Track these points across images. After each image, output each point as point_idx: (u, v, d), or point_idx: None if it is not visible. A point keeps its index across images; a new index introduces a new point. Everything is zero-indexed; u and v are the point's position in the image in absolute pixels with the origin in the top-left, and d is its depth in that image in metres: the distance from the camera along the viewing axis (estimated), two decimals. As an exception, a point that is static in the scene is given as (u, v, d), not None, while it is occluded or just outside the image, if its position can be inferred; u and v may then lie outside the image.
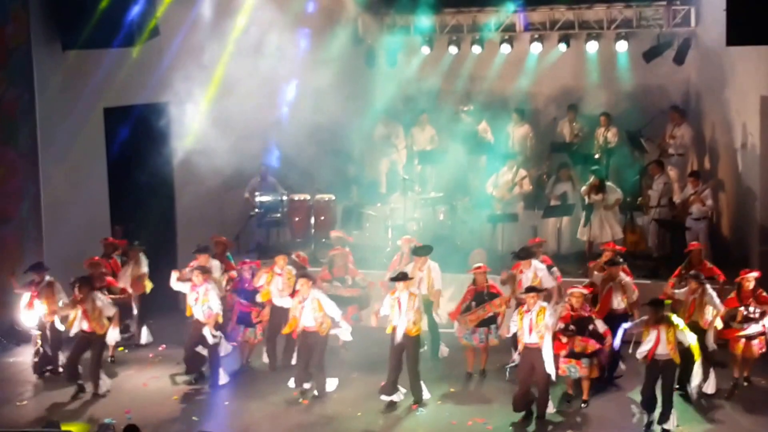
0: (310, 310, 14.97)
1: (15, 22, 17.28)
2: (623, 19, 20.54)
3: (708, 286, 14.68)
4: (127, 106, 18.67)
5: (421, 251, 16.33)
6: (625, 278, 15.41)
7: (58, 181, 17.85)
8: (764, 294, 14.67)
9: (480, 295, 15.63)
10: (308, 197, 19.99)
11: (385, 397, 14.93)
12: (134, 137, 18.72)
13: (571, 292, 14.51)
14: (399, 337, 14.68)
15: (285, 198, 20.07)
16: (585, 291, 14.62)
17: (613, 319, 14.85)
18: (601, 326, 14.39)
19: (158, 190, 19.32)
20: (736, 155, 18.90)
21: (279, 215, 20.05)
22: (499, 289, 15.86)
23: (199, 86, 18.64)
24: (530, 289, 14.32)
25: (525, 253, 15.86)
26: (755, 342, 14.70)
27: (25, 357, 17.10)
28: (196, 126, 18.58)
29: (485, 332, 15.64)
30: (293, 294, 15.43)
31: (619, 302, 15.24)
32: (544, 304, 14.20)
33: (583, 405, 14.62)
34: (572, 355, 14.32)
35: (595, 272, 15.84)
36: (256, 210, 20.02)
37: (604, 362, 14.72)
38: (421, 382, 15.04)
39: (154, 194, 19.11)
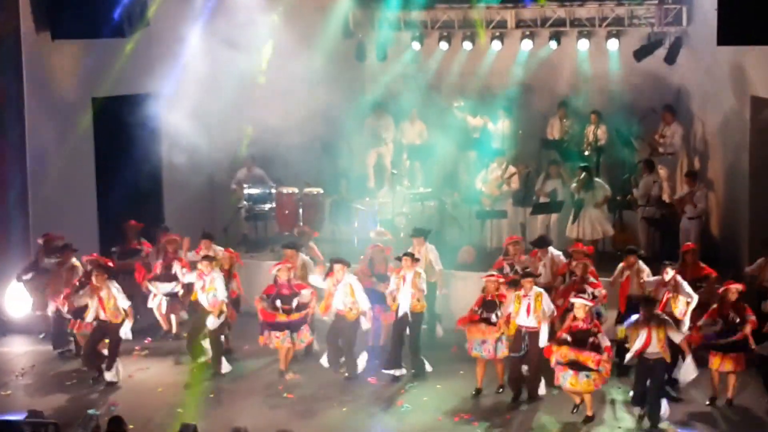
0: (342, 294, 15.28)
1: (4, 11, 17.18)
2: (615, 17, 20.50)
3: (679, 276, 14.65)
4: (117, 96, 18.57)
5: (418, 232, 16.51)
6: (642, 264, 15.44)
7: (46, 171, 17.74)
8: (746, 305, 14.30)
9: (488, 304, 14.91)
10: (296, 191, 19.90)
11: (386, 371, 15.35)
12: (123, 128, 18.60)
13: (575, 303, 13.94)
14: (401, 313, 15.20)
15: (273, 191, 20.00)
16: (590, 304, 14.04)
17: (631, 307, 14.97)
18: (603, 341, 13.76)
19: (146, 181, 19.22)
20: (726, 155, 18.90)
21: (267, 208, 19.99)
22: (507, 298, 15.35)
23: (188, 78, 18.56)
24: (526, 275, 14.57)
25: (542, 242, 16.26)
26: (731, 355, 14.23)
27: (10, 347, 17.08)
28: (184, 118, 18.49)
29: (492, 342, 14.96)
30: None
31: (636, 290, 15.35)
32: (540, 290, 14.43)
33: (588, 418, 14.02)
34: (571, 364, 13.70)
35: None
36: (244, 202, 19.97)
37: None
38: (422, 357, 15.53)
39: (142, 185, 19.00)
